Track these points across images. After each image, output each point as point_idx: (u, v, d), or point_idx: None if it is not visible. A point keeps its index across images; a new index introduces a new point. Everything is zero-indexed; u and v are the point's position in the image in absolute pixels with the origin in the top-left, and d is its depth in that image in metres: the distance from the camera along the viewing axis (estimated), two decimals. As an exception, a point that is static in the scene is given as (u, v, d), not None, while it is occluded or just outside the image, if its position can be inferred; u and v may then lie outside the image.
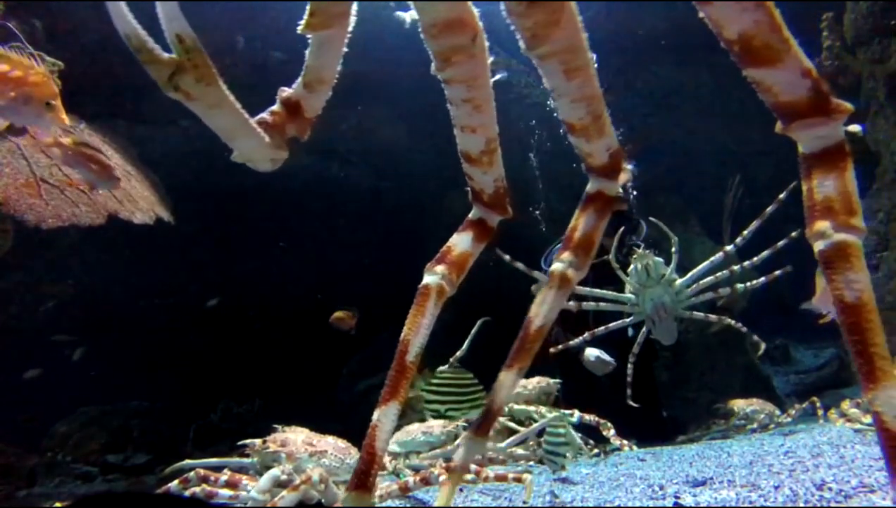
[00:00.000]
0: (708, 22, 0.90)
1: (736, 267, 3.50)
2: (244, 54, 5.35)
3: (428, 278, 1.19)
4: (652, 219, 3.92)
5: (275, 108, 1.12)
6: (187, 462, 2.42)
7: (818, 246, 0.91)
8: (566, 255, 1.13)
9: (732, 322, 3.61)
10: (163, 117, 5.33)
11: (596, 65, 1.06)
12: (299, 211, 6.62)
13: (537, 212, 5.92)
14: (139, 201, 4.25)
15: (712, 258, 3.52)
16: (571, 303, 3.65)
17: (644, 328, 3.68)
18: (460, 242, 1.23)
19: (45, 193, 3.59)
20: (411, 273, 1.23)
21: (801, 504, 1.69)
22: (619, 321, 3.69)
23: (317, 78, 1.10)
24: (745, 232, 3.38)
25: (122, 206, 4.04)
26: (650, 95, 7.14)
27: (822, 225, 0.91)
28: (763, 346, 3.67)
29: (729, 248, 3.45)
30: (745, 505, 1.75)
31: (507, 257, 3.52)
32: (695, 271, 3.59)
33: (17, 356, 5.34)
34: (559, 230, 4.74)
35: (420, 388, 2.67)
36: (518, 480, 2.21)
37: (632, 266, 3.64)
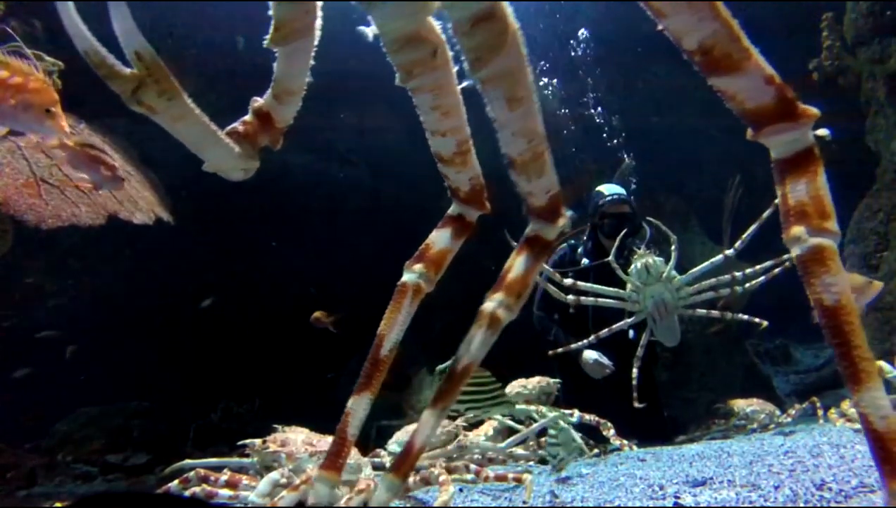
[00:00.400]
0: (668, 34, 0.91)
1: (738, 273, 3.51)
2: (244, 54, 5.36)
3: (405, 277, 1.22)
4: (650, 219, 3.93)
5: (247, 117, 1.14)
6: (187, 462, 2.41)
7: (795, 251, 0.93)
8: (498, 295, 1.14)
9: (732, 315, 3.64)
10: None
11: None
12: (299, 211, 6.63)
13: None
14: (139, 201, 4.25)
15: (713, 260, 3.54)
16: (570, 298, 3.64)
17: (646, 332, 3.67)
18: (439, 239, 1.25)
19: (45, 193, 3.59)
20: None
21: (801, 504, 1.69)
22: (622, 323, 3.69)
23: (285, 89, 1.12)
24: (744, 236, 3.39)
25: (121, 206, 4.05)
26: (650, 94, 7.14)
27: (798, 230, 0.93)
28: (766, 324, 3.69)
29: (729, 252, 3.48)
30: (745, 505, 1.75)
31: (515, 244, 3.51)
32: (695, 269, 3.60)
33: (17, 356, 5.34)
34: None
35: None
36: (518, 480, 2.21)
37: (632, 265, 3.65)
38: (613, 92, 6.58)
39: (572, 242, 4.40)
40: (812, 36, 5.47)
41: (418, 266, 1.22)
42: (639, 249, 3.73)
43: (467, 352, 1.12)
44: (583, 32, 6.30)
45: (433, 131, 1.13)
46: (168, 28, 5.16)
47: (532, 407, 3.18)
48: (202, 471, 2.20)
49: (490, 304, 1.13)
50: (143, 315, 6.28)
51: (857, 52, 4.97)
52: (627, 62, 6.64)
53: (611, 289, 3.67)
